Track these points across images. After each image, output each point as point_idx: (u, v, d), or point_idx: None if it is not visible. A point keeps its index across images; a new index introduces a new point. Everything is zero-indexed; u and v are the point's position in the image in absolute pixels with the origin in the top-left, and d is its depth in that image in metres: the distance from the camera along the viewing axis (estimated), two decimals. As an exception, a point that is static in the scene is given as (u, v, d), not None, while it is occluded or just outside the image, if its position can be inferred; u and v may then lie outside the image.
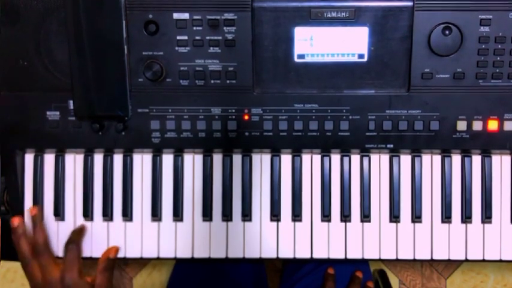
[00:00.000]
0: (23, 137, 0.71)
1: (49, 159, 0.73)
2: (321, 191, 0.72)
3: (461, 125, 0.69)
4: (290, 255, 0.72)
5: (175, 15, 0.67)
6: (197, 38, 0.67)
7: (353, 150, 0.71)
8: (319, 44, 0.67)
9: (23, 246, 0.69)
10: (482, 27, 0.66)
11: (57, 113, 0.70)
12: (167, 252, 0.72)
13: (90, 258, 0.73)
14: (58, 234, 0.73)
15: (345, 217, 0.72)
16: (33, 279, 0.68)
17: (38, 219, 0.71)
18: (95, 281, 0.68)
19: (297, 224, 0.72)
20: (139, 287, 1.25)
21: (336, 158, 0.72)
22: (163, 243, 0.72)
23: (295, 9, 0.66)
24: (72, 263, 0.67)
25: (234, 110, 0.70)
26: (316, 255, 0.72)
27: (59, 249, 0.73)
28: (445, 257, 0.72)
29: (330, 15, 0.66)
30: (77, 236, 0.70)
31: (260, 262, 0.96)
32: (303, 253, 0.72)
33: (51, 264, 0.68)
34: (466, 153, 0.71)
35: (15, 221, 0.70)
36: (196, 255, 0.72)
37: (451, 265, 1.23)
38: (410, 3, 0.66)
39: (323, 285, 0.80)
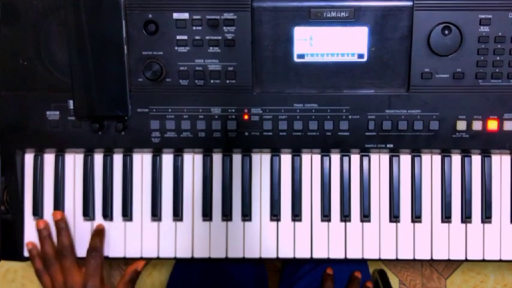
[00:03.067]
0: (23, 137, 0.71)
1: (49, 159, 0.73)
2: (320, 191, 0.72)
3: (461, 125, 0.69)
4: (290, 255, 0.72)
5: (175, 15, 0.67)
6: (197, 37, 0.67)
7: (353, 150, 0.71)
8: (318, 43, 0.67)
9: (48, 248, 0.70)
10: (481, 27, 0.66)
11: (57, 112, 0.70)
12: (167, 252, 0.72)
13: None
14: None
15: (345, 217, 0.72)
16: (54, 283, 0.68)
17: (63, 223, 0.71)
18: None
19: (297, 224, 0.72)
20: (139, 287, 1.25)
21: (335, 157, 0.72)
22: (163, 243, 0.72)
23: (294, 9, 0.66)
24: (95, 271, 0.68)
25: (233, 110, 0.70)
26: (316, 255, 0.72)
27: (58, 249, 0.73)
28: (445, 257, 0.72)
29: (329, 15, 0.66)
30: (100, 242, 0.70)
31: (260, 262, 0.96)
32: (303, 253, 0.72)
33: (74, 268, 0.69)
34: (465, 153, 0.71)
35: (41, 224, 0.70)
36: (196, 255, 0.72)
37: (451, 265, 1.23)
38: (410, 3, 0.66)
39: (322, 285, 0.80)
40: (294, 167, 0.72)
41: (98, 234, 0.71)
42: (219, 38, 0.67)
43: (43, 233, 0.70)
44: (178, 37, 0.67)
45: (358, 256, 0.72)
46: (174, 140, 0.70)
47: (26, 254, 0.73)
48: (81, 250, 0.72)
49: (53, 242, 0.71)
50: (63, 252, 0.69)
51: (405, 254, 0.72)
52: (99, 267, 0.68)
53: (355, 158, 0.72)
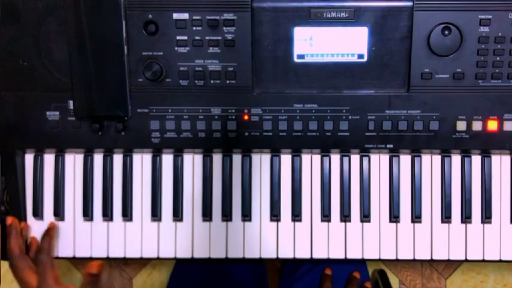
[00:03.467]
0: (23, 137, 0.71)
1: (49, 159, 0.73)
2: (320, 191, 0.72)
3: (461, 125, 0.69)
4: (290, 256, 0.72)
5: (175, 16, 0.67)
6: (197, 38, 0.67)
7: (353, 150, 0.71)
8: (318, 44, 0.67)
9: (13, 245, 0.68)
10: (481, 27, 0.66)
11: (57, 113, 0.70)
12: (167, 252, 0.72)
13: (90, 259, 0.73)
14: (58, 234, 0.73)
15: (345, 217, 0.72)
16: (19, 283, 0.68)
17: (14, 229, 0.69)
18: None
19: (297, 224, 0.72)
20: (139, 287, 1.25)
21: (335, 158, 0.72)
22: (163, 243, 0.72)
23: (294, 9, 0.66)
24: (46, 274, 0.65)
25: (233, 110, 0.70)
26: (316, 255, 0.72)
27: (58, 250, 0.73)
28: (445, 257, 0.72)
29: (329, 16, 0.66)
30: (47, 243, 0.69)
31: (260, 262, 0.96)
32: (303, 253, 0.72)
33: (26, 271, 0.67)
34: (465, 154, 0.71)
35: (8, 220, 0.70)
36: (196, 255, 0.72)
37: (451, 265, 1.23)
38: (410, 3, 0.66)
39: (320, 285, 0.80)
40: (294, 167, 0.72)
41: (47, 234, 0.70)
42: (219, 38, 0.67)
43: (10, 230, 0.69)
44: (178, 37, 0.67)
45: (358, 256, 0.72)
46: (174, 140, 0.70)
47: (26, 254, 0.73)
48: (81, 251, 0.73)
49: (18, 239, 0.69)
50: (11, 259, 0.68)
51: (405, 254, 0.72)
52: (49, 269, 0.66)
53: (355, 158, 0.72)
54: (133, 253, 0.73)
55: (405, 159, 0.72)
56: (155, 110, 0.70)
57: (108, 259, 0.73)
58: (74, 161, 0.73)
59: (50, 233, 0.71)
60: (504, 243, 0.71)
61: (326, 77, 0.68)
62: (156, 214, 0.72)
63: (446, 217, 0.71)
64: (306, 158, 0.72)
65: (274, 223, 0.72)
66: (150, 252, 0.73)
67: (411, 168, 0.72)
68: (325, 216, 0.72)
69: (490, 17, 0.65)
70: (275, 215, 0.72)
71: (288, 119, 0.69)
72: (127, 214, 0.72)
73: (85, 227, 0.73)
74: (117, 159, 0.73)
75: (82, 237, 0.73)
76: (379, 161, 0.72)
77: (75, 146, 0.72)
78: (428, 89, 0.68)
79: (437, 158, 0.72)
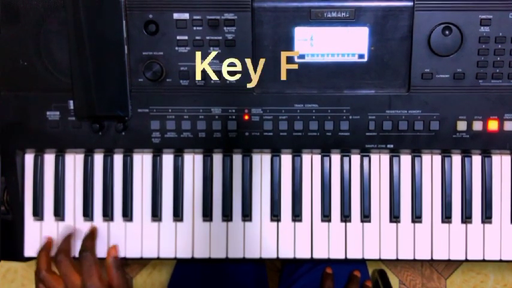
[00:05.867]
0: (23, 137, 0.71)
1: (49, 159, 0.73)
2: (321, 191, 0.72)
3: (462, 125, 0.69)
4: (290, 256, 0.72)
5: (176, 15, 0.67)
6: (197, 38, 0.67)
7: (353, 150, 0.71)
8: (319, 44, 0.67)
9: (63, 244, 0.70)
10: (482, 27, 0.66)
11: (57, 113, 0.70)
12: (167, 253, 0.72)
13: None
14: (58, 234, 0.73)
15: (345, 217, 0.72)
16: None
17: (72, 234, 0.72)
18: (111, 283, 0.67)
19: (297, 224, 0.72)
20: (139, 287, 1.25)
21: (336, 158, 0.72)
22: (164, 244, 0.72)
23: (295, 9, 0.66)
24: (90, 270, 0.66)
25: (234, 110, 0.70)
26: (316, 256, 0.72)
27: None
28: (445, 257, 0.72)
29: (330, 15, 0.66)
30: (90, 241, 0.70)
31: (261, 262, 0.96)
32: (303, 253, 0.72)
33: (71, 271, 0.67)
34: (466, 154, 0.71)
35: (47, 239, 0.72)
36: (196, 256, 0.72)
37: (451, 265, 1.23)
38: (410, 3, 0.66)
39: (322, 284, 0.81)
40: (295, 167, 0.72)
41: (90, 235, 0.71)
42: (220, 38, 0.67)
43: (45, 247, 0.71)
44: (178, 37, 0.67)
45: (359, 256, 0.72)
46: (174, 140, 0.70)
47: (26, 254, 0.73)
48: (82, 250, 0.72)
49: (47, 256, 0.70)
50: (57, 253, 0.68)
51: (405, 254, 0.72)
52: (93, 267, 0.66)
53: (355, 158, 0.72)
54: (133, 253, 0.73)
55: (405, 159, 0.72)
56: (155, 110, 0.70)
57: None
58: (74, 161, 0.73)
59: (92, 235, 0.71)
60: (504, 243, 0.71)
61: (326, 77, 0.68)
62: (156, 214, 0.72)
63: (446, 217, 0.71)
64: (306, 158, 0.72)
65: (275, 223, 0.72)
66: (150, 252, 0.72)
67: (411, 168, 0.72)
68: (326, 216, 0.72)
69: (491, 17, 0.65)
70: (275, 215, 0.72)
71: (288, 119, 0.69)
72: (127, 214, 0.72)
73: (85, 227, 0.73)
74: (118, 159, 0.73)
75: (82, 238, 0.72)
76: (380, 161, 0.72)
77: (75, 146, 0.72)
78: (428, 89, 0.68)
79: (437, 158, 0.72)
